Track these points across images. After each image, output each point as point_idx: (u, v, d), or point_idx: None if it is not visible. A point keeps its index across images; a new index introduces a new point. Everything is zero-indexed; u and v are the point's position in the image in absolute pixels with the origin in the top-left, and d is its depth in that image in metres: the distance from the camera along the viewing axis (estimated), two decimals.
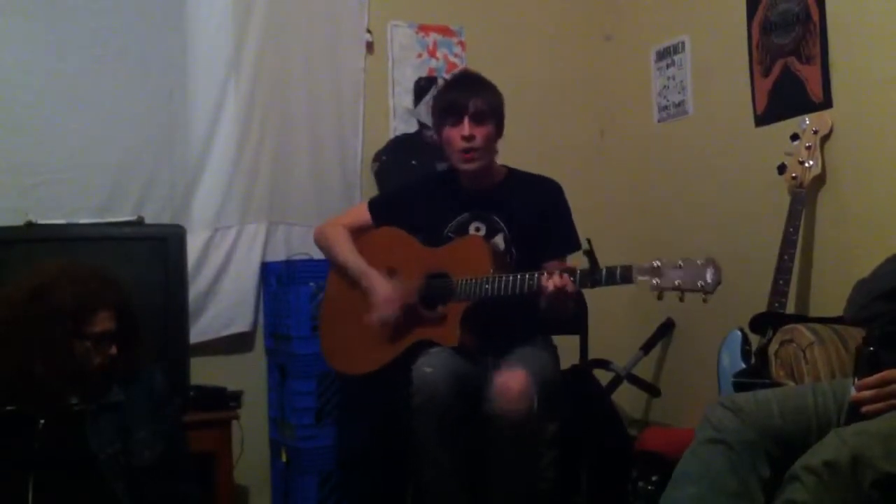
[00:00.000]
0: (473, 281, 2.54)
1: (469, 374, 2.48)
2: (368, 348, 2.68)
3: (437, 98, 2.88)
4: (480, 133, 2.64)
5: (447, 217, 2.73)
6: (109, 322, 2.16)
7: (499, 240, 2.70)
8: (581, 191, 2.84)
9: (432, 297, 2.64)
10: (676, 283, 2.21)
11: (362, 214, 2.87)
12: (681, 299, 2.24)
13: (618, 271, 2.32)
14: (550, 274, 2.39)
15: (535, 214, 2.70)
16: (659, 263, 2.25)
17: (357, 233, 2.83)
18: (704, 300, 2.20)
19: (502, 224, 2.70)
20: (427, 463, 2.48)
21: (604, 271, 2.35)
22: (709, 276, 2.18)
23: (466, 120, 2.63)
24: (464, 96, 2.65)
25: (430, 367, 2.43)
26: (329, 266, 2.89)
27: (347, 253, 2.78)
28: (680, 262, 2.22)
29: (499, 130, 2.71)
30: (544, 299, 2.43)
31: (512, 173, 2.81)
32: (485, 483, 2.49)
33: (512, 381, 2.39)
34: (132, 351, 2.21)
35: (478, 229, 2.71)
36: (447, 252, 2.67)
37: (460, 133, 2.63)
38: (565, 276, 2.38)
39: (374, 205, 2.88)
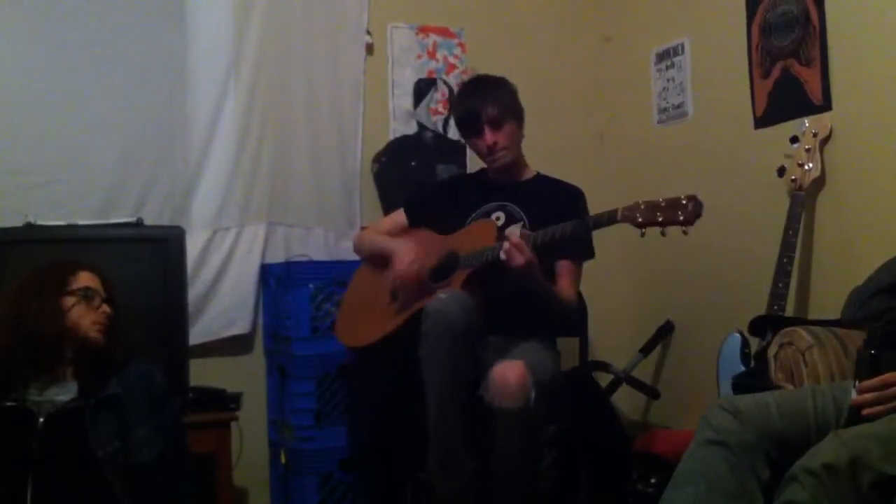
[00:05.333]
0: (476, 250, 2.62)
1: (477, 320, 2.49)
2: (377, 319, 2.75)
3: (452, 108, 3.01)
4: (502, 136, 2.77)
5: (472, 207, 2.83)
6: (92, 280, 2.27)
7: (516, 228, 2.74)
8: None
9: (441, 272, 2.71)
10: (659, 218, 2.31)
11: (399, 217, 2.97)
12: (662, 234, 2.34)
13: (604, 216, 2.44)
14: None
15: (556, 216, 2.69)
16: (641, 202, 2.35)
17: (394, 234, 2.93)
18: (685, 232, 2.30)
19: (523, 214, 2.77)
20: (431, 398, 2.45)
21: (591, 217, 2.48)
22: (689, 207, 2.27)
23: (486, 129, 2.75)
24: (476, 105, 2.76)
25: (443, 295, 2.49)
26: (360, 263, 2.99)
27: (378, 238, 2.92)
28: (662, 201, 2.32)
29: (520, 123, 2.82)
30: (508, 268, 2.48)
31: (540, 177, 2.91)
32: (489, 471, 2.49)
33: (509, 371, 2.39)
34: (124, 333, 2.27)
35: (498, 218, 2.78)
36: (460, 235, 2.76)
37: (484, 143, 2.77)
38: (515, 233, 2.48)
39: (408, 205, 2.98)
